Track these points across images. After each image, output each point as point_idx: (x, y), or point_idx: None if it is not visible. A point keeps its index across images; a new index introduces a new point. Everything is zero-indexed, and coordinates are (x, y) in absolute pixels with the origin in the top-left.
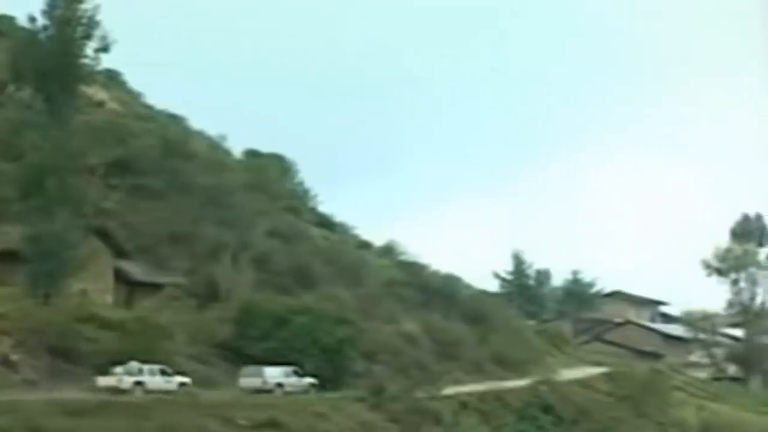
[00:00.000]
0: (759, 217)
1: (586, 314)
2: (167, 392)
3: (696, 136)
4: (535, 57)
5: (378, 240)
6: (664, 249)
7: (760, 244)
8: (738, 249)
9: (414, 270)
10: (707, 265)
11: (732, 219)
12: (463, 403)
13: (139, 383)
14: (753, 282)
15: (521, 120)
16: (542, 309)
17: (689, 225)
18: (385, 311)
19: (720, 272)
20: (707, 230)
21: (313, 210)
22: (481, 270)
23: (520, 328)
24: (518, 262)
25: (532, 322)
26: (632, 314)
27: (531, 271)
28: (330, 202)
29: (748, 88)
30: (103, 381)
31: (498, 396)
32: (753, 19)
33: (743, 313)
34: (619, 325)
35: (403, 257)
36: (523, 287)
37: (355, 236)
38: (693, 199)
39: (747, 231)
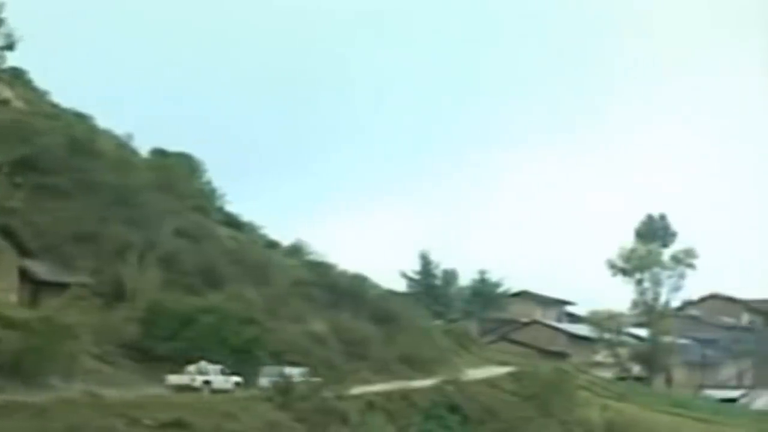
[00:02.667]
0: (663, 218)
1: (492, 314)
2: (226, 390)
3: (603, 137)
4: (451, 59)
5: (286, 240)
6: (571, 249)
7: (664, 245)
8: (642, 249)
9: (322, 270)
10: (612, 265)
11: (637, 219)
12: (370, 403)
13: (207, 382)
14: (657, 282)
15: (435, 121)
16: (449, 309)
17: (595, 225)
18: (293, 311)
19: (625, 272)
20: (613, 230)
21: (220, 209)
22: (389, 270)
23: (427, 328)
24: (425, 261)
25: (439, 322)
26: (539, 314)
27: (438, 271)
28: (239, 202)
29: (659, 92)
30: (174, 379)
31: (405, 395)
32: (667, 28)
33: (647, 312)
34: (526, 324)
35: (310, 257)
36: (430, 287)
37: (262, 236)
38: (599, 199)
39: (651, 231)
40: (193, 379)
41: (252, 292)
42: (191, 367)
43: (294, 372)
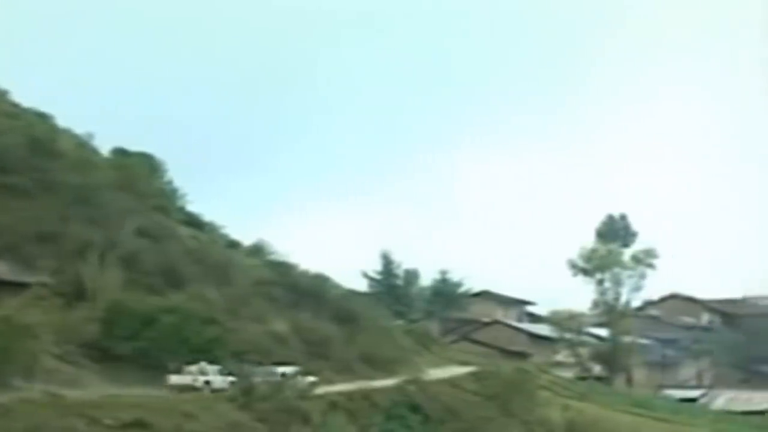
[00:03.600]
0: (623, 218)
1: (454, 314)
2: (224, 390)
3: (564, 138)
4: (413, 57)
5: (247, 239)
6: (532, 249)
7: (625, 245)
8: (603, 249)
9: (283, 269)
10: (573, 265)
11: (598, 219)
12: (332, 403)
13: (207, 382)
14: (617, 282)
15: (396, 120)
16: (410, 308)
17: (557, 225)
18: (254, 311)
19: (585, 272)
20: (574, 231)
21: (181, 209)
22: (350, 270)
23: (388, 328)
24: (387, 261)
25: (400, 322)
26: (500, 314)
27: (399, 271)
28: (200, 202)
29: (619, 93)
30: (175, 379)
31: (366, 395)
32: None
33: (608, 312)
34: (487, 324)
35: (272, 257)
36: (392, 287)
37: (224, 235)
38: (560, 199)
39: (612, 231)
40: (195, 379)
41: (213, 292)
42: (192, 368)
43: (286, 371)
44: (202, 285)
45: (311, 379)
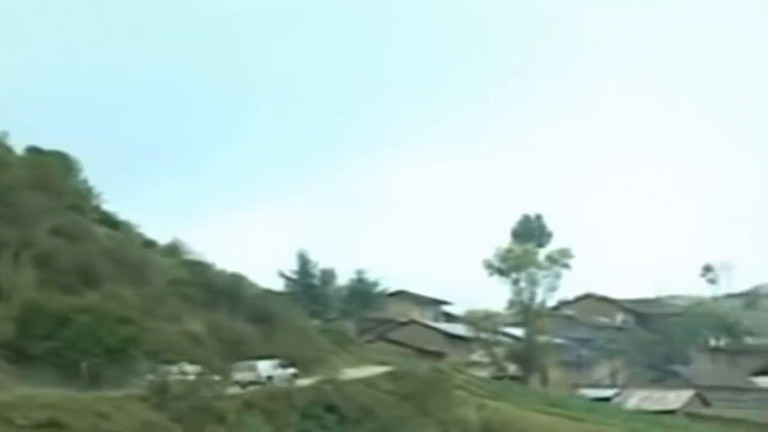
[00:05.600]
0: (539, 218)
1: (370, 313)
2: None
3: (481, 139)
4: (336, 62)
5: (163, 239)
6: (448, 249)
7: (540, 245)
8: (518, 249)
9: (199, 269)
10: (489, 265)
11: (513, 219)
12: (247, 402)
13: None
14: (533, 282)
15: (316, 123)
16: (327, 308)
17: (472, 226)
18: (170, 310)
19: (501, 272)
20: (490, 231)
21: (97, 208)
22: (267, 269)
23: (305, 328)
24: (303, 261)
25: (316, 322)
26: (416, 314)
27: (316, 271)
28: (115, 201)
29: (538, 94)
30: None
31: (283, 395)
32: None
33: (523, 312)
34: (403, 324)
35: (188, 256)
36: (308, 286)
37: (139, 235)
38: (476, 200)
39: (527, 231)
40: None
41: (129, 291)
42: (173, 368)
43: (266, 366)
44: (118, 284)
45: (292, 371)
